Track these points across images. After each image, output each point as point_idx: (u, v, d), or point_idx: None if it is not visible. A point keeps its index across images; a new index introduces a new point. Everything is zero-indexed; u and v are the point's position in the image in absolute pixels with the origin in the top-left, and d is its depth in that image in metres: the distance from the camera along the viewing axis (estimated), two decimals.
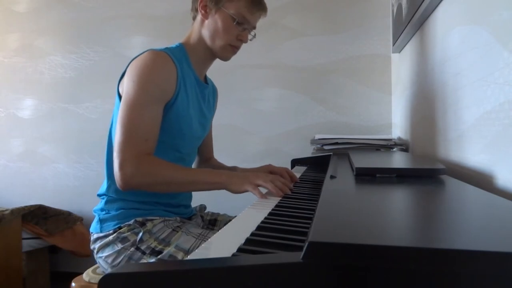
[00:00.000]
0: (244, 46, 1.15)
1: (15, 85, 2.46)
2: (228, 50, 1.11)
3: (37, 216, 2.07)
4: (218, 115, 2.15)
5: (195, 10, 1.12)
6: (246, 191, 0.92)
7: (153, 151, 0.98)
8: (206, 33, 1.10)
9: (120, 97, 1.03)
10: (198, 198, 1.31)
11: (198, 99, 1.15)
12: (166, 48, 1.07)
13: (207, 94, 1.21)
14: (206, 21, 1.09)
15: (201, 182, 0.96)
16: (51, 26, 2.40)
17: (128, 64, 1.02)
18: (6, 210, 1.93)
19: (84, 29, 2.35)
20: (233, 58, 1.16)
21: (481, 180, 0.77)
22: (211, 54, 1.13)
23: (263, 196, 0.86)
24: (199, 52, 1.12)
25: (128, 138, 0.94)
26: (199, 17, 1.11)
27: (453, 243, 0.33)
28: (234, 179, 0.94)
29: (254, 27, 1.14)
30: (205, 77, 1.24)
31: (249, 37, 1.14)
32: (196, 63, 1.13)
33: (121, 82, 1.04)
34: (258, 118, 2.10)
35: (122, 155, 0.93)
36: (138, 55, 1.02)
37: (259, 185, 0.92)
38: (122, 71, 1.05)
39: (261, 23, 1.16)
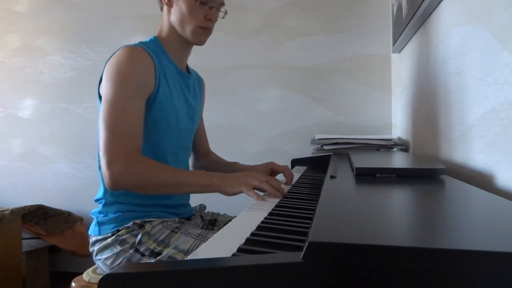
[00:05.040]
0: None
1: (15, 85, 2.46)
2: (200, 33, 1.08)
3: (37, 216, 2.07)
4: (218, 115, 2.17)
5: (159, 0, 1.11)
6: (240, 192, 0.90)
7: (141, 149, 0.97)
8: (175, 22, 1.09)
9: (101, 99, 1.02)
10: (197, 198, 1.31)
11: (183, 90, 1.14)
12: (141, 42, 1.07)
13: (191, 84, 1.19)
14: (172, 10, 1.08)
15: (193, 184, 0.94)
16: (51, 26, 2.40)
17: (105, 65, 1.01)
18: (6, 210, 1.93)
19: (84, 29, 2.35)
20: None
21: (481, 180, 0.77)
22: (185, 42, 1.12)
23: (260, 198, 0.83)
24: (173, 42, 1.11)
25: (114, 136, 0.92)
26: (164, 7, 1.10)
27: (453, 243, 0.33)
28: (227, 181, 0.92)
29: (223, 3, 1.11)
30: (187, 68, 1.23)
31: (220, 14, 1.12)
32: (174, 53, 1.12)
33: (101, 85, 1.03)
34: (258, 118, 2.10)
35: (109, 154, 0.91)
36: (113, 54, 1.01)
37: (255, 187, 0.89)
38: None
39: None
